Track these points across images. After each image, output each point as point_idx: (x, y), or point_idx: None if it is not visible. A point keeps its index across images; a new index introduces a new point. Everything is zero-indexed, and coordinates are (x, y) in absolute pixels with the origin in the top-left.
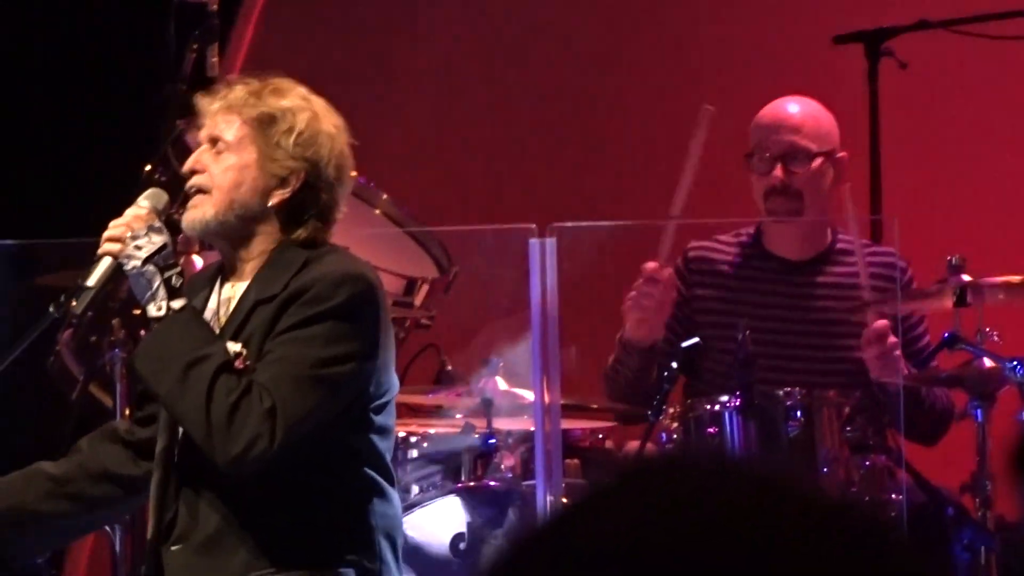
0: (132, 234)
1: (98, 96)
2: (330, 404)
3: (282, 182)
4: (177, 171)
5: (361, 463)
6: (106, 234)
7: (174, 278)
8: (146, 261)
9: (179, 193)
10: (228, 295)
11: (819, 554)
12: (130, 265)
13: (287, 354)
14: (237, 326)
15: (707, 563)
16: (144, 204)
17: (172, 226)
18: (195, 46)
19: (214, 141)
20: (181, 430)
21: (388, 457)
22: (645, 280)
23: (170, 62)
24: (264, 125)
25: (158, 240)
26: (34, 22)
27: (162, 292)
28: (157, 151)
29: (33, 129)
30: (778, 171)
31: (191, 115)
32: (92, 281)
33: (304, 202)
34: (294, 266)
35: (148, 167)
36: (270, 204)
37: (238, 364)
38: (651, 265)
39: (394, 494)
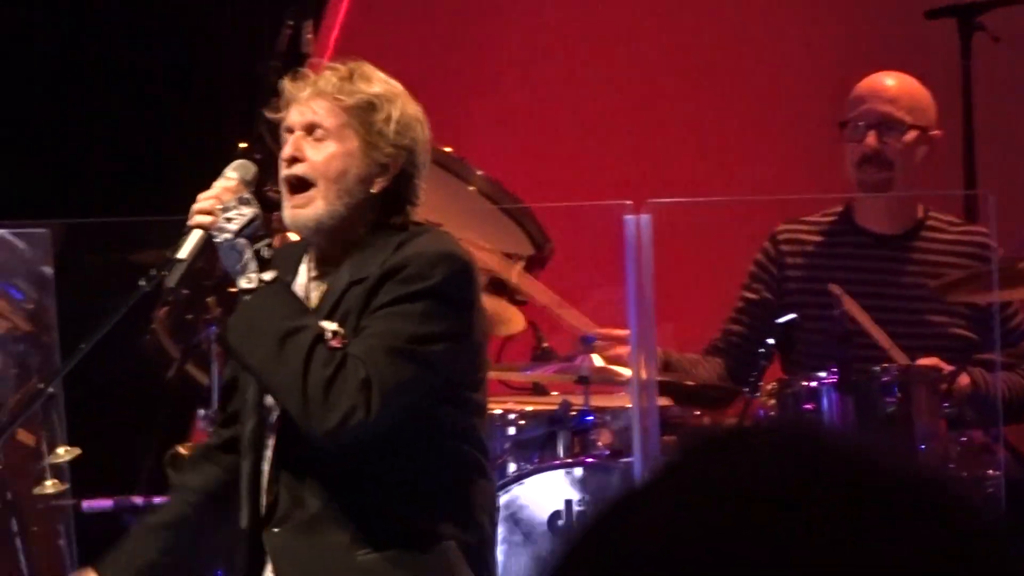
0: (222, 206)
1: (188, 72)
2: (424, 380)
3: (383, 169)
4: (271, 148)
5: (460, 440)
6: (196, 206)
7: (264, 250)
8: (237, 233)
9: (272, 170)
10: (318, 279)
11: (839, 545)
12: (221, 237)
13: (382, 329)
14: (331, 306)
15: (739, 557)
16: (232, 176)
17: (264, 202)
18: (290, 22)
19: (310, 128)
20: (274, 415)
21: (484, 434)
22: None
23: (265, 39)
24: (364, 112)
25: (248, 212)
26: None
27: (253, 264)
28: (251, 128)
29: (123, 105)
30: (871, 138)
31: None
32: (183, 254)
33: (401, 187)
34: (388, 247)
35: (242, 144)
36: (372, 191)
37: (335, 343)
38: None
39: (491, 470)
